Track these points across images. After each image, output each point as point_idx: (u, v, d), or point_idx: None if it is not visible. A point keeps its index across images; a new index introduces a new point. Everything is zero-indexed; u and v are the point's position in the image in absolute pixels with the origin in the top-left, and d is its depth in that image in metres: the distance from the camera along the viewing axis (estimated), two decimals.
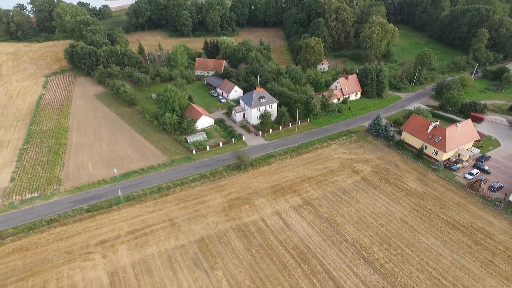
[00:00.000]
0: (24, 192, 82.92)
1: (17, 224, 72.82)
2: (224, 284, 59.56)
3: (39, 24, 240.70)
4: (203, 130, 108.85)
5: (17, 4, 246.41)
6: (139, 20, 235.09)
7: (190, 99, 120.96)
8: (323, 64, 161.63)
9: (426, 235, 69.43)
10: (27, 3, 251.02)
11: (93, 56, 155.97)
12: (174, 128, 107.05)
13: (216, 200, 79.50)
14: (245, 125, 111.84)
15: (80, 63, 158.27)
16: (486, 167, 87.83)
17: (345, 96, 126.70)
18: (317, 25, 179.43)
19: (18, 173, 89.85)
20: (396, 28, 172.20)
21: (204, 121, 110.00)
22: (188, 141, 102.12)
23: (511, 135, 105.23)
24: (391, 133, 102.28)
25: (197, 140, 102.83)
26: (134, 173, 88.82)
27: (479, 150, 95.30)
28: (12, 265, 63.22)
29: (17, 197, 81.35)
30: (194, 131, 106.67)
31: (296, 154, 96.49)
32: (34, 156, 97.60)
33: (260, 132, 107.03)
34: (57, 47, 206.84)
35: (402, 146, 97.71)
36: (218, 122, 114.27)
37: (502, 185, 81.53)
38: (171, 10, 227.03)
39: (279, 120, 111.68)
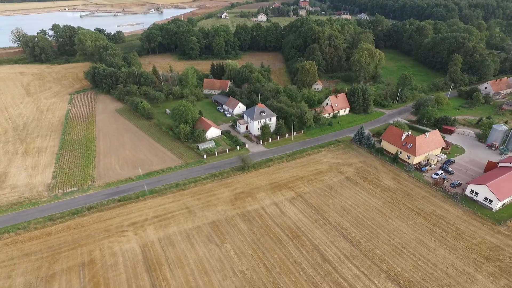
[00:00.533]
0: (64, 187, 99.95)
1: (62, 210, 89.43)
2: (232, 253, 75.53)
3: (59, 48, 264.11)
4: (212, 139, 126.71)
5: (41, 30, 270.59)
6: (151, 45, 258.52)
7: (200, 113, 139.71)
8: (317, 84, 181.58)
9: (395, 220, 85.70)
10: (48, 29, 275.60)
11: (113, 76, 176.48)
12: (187, 137, 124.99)
13: (224, 193, 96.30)
14: (248, 135, 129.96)
15: (101, 83, 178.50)
16: (450, 169, 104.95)
17: (335, 112, 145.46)
18: (312, 50, 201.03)
19: (58, 172, 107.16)
20: (382, 53, 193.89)
21: (213, 132, 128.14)
22: (200, 148, 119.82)
23: (476, 144, 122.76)
24: (373, 141, 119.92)
25: (207, 147, 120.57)
26: (155, 173, 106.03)
27: (446, 156, 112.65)
28: (63, 239, 79.45)
29: (60, 190, 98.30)
30: (204, 140, 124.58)
31: (291, 158, 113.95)
32: (69, 159, 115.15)
33: (261, 141, 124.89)
34: (77, 69, 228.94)
35: (381, 152, 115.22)
36: (225, 133, 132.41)
37: (460, 182, 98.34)
38: (180, 36, 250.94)
39: (277, 131, 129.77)
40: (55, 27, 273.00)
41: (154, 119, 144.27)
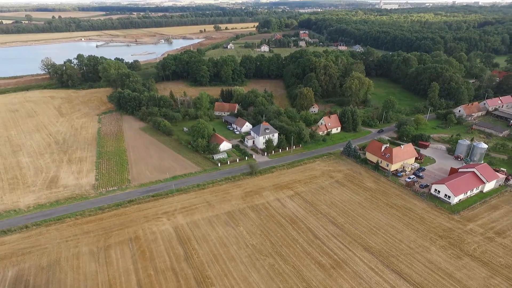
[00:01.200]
0: (106, 187, 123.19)
1: (108, 203, 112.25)
2: (244, 233, 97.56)
3: (83, 75, 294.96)
4: (224, 151, 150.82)
5: (67, 60, 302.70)
6: (165, 72, 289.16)
7: (214, 130, 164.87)
8: (314, 107, 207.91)
9: (373, 211, 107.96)
10: (73, 59, 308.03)
11: (136, 100, 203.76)
12: (204, 150, 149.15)
13: (236, 192, 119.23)
14: (254, 149, 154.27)
15: (126, 105, 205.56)
16: (421, 174, 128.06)
17: (328, 130, 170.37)
18: (310, 78, 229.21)
19: (99, 176, 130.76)
20: (371, 81, 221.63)
21: (225, 145, 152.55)
22: (214, 158, 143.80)
23: (446, 156, 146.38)
24: (359, 153, 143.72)
25: (220, 157, 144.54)
26: (179, 176, 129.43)
27: (418, 165, 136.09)
28: (112, 223, 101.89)
29: (103, 189, 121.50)
30: (218, 151, 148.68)
31: (291, 166, 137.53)
32: (107, 166, 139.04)
33: (266, 153, 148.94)
34: (100, 93, 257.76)
35: (365, 162, 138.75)
36: (235, 146, 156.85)
37: (428, 184, 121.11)
38: (192, 65, 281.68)
39: (279, 145, 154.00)
40: (79, 56, 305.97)
41: (174, 135, 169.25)
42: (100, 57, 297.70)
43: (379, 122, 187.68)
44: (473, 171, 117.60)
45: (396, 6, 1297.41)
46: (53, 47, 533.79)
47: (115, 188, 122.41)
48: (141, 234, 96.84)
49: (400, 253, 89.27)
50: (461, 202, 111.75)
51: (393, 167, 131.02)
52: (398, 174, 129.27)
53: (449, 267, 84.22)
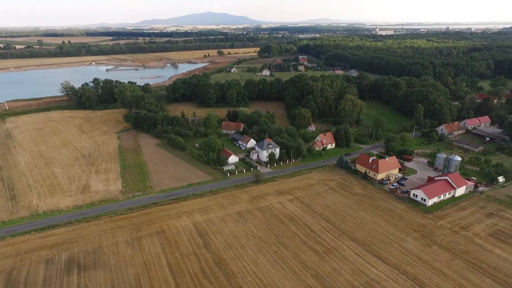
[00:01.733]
0: (132, 192, 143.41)
1: (136, 205, 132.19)
2: (252, 227, 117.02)
3: (99, 97, 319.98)
4: (232, 163, 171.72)
5: (84, 83, 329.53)
6: (175, 95, 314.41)
7: (222, 145, 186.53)
8: (311, 126, 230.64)
9: (360, 211, 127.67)
10: (90, 82, 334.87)
11: (152, 119, 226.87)
12: (214, 162, 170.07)
13: (244, 196, 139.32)
14: (258, 161, 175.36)
15: (142, 124, 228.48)
16: (403, 183, 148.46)
17: (324, 146, 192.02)
18: (308, 100, 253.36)
19: (125, 183, 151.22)
20: (363, 103, 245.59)
21: (233, 158, 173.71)
22: (224, 169, 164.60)
23: (427, 168, 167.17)
24: (350, 165, 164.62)
25: (229, 168, 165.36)
26: (194, 184, 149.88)
27: (401, 175, 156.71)
28: (141, 220, 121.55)
29: (130, 194, 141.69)
30: (227, 164, 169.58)
31: (291, 176, 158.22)
32: (130, 176, 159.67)
33: (269, 165, 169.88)
34: (116, 114, 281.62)
35: (355, 172, 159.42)
36: (241, 160, 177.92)
37: (408, 190, 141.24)
38: (200, 88, 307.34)
39: (280, 158, 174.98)
40: (95, 80, 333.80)
41: (187, 150, 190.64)
42: (115, 81, 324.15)
43: (370, 139, 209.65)
44: (446, 179, 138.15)
45: (392, 32, 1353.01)
46: (65, 70, 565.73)
47: (140, 193, 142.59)
48: (166, 229, 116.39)
49: (380, 242, 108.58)
50: (435, 204, 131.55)
51: (379, 176, 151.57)
52: (383, 182, 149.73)
53: (420, 252, 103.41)
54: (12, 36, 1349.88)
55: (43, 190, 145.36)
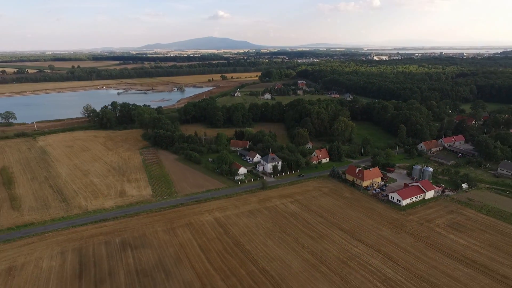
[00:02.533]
0: (161, 196, 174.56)
1: (166, 205, 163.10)
2: (261, 221, 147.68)
3: (118, 118, 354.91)
4: (242, 174, 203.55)
5: (104, 106, 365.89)
6: (186, 116, 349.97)
7: (233, 159, 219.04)
8: (309, 144, 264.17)
9: (348, 210, 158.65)
10: (109, 105, 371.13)
11: (169, 138, 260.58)
12: (227, 173, 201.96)
13: (253, 199, 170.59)
14: (264, 173, 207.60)
15: (161, 142, 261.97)
16: (384, 189, 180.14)
17: (319, 160, 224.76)
18: (306, 122, 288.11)
19: (154, 190, 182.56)
20: (354, 124, 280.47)
21: (242, 170, 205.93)
22: (235, 178, 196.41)
23: (405, 178, 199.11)
24: (341, 175, 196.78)
25: (239, 178, 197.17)
26: (212, 190, 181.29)
27: (383, 183, 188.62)
28: (172, 216, 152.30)
29: (159, 197, 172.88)
30: (237, 174, 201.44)
31: (291, 184, 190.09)
32: (157, 184, 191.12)
33: (272, 175, 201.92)
34: (134, 133, 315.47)
35: (345, 181, 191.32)
36: (249, 171, 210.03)
37: (387, 194, 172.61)
38: (209, 111, 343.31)
39: (282, 170, 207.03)
40: (113, 103, 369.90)
41: (202, 164, 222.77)
42: (133, 104, 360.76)
43: (359, 155, 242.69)
44: (418, 185, 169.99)
45: (387, 57, 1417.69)
46: (79, 94, 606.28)
47: (168, 197, 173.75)
48: (193, 222, 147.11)
49: (362, 231, 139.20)
50: (408, 204, 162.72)
51: (364, 183, 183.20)
52: (368, 188, 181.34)
53: (391, 237, 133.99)
54: (22, 61, 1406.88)
55: (87, 195, 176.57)
